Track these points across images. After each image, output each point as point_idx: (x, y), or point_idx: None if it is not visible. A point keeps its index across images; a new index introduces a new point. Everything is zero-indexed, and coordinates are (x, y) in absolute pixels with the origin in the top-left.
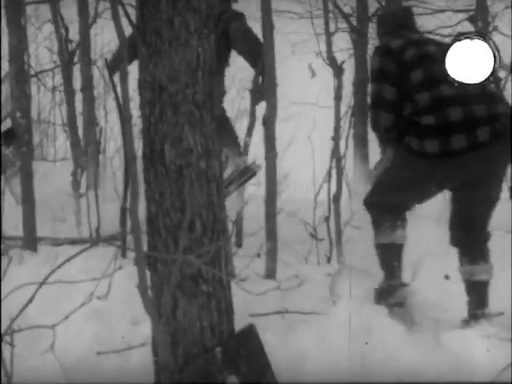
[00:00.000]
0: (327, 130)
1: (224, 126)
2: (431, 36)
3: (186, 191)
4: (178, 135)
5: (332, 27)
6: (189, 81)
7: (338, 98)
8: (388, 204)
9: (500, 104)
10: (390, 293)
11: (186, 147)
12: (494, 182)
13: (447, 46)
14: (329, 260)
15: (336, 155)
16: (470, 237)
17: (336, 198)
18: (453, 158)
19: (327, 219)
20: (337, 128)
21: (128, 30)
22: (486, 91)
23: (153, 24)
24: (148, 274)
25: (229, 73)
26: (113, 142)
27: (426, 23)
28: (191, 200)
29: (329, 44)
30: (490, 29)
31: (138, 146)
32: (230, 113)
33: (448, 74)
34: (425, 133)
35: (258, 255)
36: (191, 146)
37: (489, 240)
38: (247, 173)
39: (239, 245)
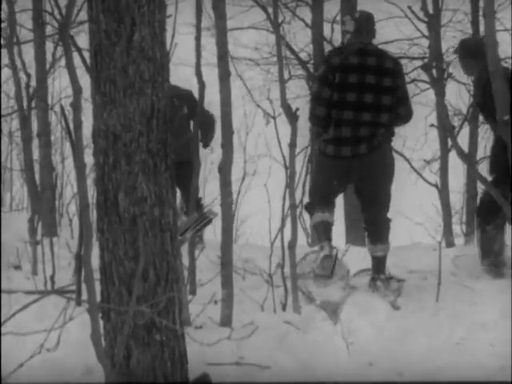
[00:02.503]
0: (284, 176)
1: None
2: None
3: (139, 240)
4: (132, 184)
5: (288, 74)
6: (143, 129)
7: (292, 145)
8: (317, 196)
9: (381, 129)
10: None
11: (140, 196)
12: (379, 182)
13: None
14: (284, 307)
15: (291, 202)
16: (370, 225)
17: (291, 245)
18: (344, 160)
19: (281, 266)
20: (291, 175)
21: (85, 77)
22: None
23: (107, 72)
24: (101, 322)
25: None
26: (69, 188)
27: None
28: (145, 249)
29: (283, 91)
30: (445, 76)
31: (94, 193)
32: None
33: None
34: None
35: (215, 301)
36: (145, 195)
37: (387, 225)
38: (203, 220)
39: (193, 292)
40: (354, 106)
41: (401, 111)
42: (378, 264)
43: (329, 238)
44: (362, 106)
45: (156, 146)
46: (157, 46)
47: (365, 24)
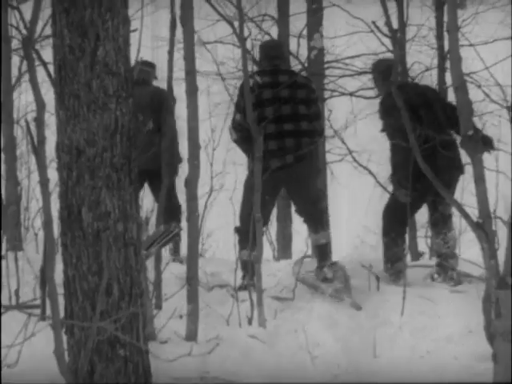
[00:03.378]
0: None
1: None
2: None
3: (103, 255)
4: (96, 199)
5: None
6: (106, 144)
7: (257, 159)
8: (249, 224)
9: (304, 138)
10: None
11: (104, 211)
12: (305, 190)
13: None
14: (250, 321)
15: (256, 216)
16: (307, 215)
17: (257, 259)
18: (273, 173)
19: (248, 281)
20: (257, 189)
21: (51, 91)
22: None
23: (71, 87)
24: (65, 337)
25: None
26: (35, 203)
27: (347, 84)
28: (108, 264)
29: (249, 105)
30: None
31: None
32: None
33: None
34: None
35: (180, 316)
36: (109, 210)
37: (325, 213)
38: (168, 234)
39: (159, 307)
40: (273, 120)
41: (316, 126)
42: (323, 252)
43: (252, 277)
44: (280, 117)
45: (120, 161)
46: (121, 60)
47: (273, 51)
